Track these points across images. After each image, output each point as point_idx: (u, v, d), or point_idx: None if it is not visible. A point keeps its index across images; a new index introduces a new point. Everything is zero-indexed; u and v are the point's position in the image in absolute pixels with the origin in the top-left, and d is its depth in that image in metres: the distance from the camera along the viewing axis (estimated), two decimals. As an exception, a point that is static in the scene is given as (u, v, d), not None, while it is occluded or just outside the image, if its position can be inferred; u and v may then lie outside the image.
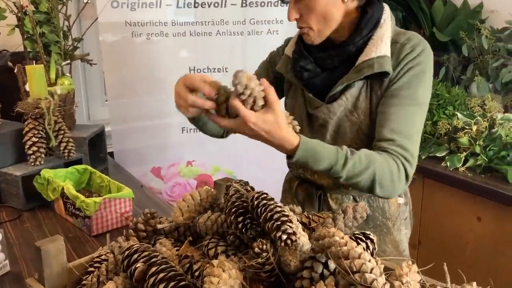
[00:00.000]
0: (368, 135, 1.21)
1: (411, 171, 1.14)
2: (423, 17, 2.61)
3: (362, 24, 1.18)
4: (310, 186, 1.35)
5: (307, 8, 1.15)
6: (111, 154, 2.24)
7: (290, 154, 1.06)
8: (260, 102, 0.99)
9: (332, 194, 1.32)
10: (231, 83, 0.97)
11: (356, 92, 1.20)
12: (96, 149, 1.95)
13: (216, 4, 2.30)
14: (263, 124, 0.99)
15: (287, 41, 1.39)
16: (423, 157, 2.03)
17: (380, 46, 1.16)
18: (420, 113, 1.18)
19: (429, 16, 2.61)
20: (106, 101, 2.60)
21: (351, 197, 1.32)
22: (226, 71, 2.37)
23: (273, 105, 0.99)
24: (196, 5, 2.28)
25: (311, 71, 1.24)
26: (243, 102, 0.97)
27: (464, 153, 1.93)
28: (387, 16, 1.21)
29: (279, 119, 1.00)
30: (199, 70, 2.35)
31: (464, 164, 1.91)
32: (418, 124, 1.18)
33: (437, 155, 2.01)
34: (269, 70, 1.42)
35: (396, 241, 1.35)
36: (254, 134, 1.02)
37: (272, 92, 0.99)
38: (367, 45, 1.18)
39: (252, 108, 0.99)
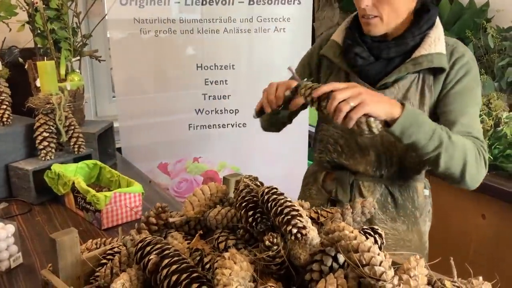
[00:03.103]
0: None
1: (486, 162, 1.21)
2: (430, 15, 2.62)
3: (422, 21, 1.26)
4: (343, 173, 1.35)
5: None
6: (119, 150, 2.26)
7: (393, 119, 1.07)
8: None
9: (365, 181, 1.33)
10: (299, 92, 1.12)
11: (407, 84, 1.27)
12: (105, 144, 1.98)
13: (223, 2, 2.31)
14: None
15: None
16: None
17: (438, 44, 1.25)
18: (478, 112, 1.29)
19: (436, 14, 2.62)
20: (113, 97, 2.63)
21: (383, 185, 1.32)
22: (233, 69, 2.39)
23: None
24: (204, 2, 2.30)
25: (365, 59, 1.28)
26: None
27: (470, 151, 1.94)
28: (438, 21, 1.30)
29: None
30: (206, 67, 2.37)
31: (469, 162, 1.92)
32: (479, 122, 1.29)
33: (442, 153, 2.02)
34: (313, 58, 1.45)
35: (421, 232, 1.39)
36: (367, 92, 1.06)
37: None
38: (424, 41, 1.26)
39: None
